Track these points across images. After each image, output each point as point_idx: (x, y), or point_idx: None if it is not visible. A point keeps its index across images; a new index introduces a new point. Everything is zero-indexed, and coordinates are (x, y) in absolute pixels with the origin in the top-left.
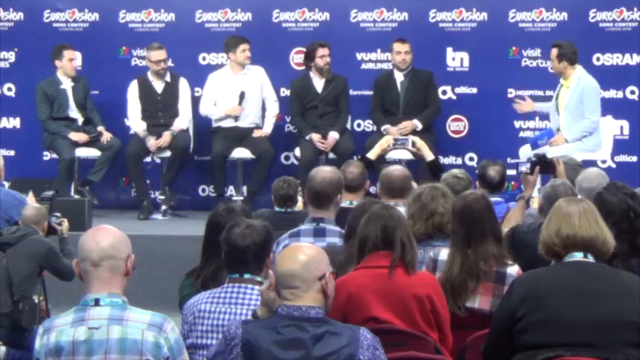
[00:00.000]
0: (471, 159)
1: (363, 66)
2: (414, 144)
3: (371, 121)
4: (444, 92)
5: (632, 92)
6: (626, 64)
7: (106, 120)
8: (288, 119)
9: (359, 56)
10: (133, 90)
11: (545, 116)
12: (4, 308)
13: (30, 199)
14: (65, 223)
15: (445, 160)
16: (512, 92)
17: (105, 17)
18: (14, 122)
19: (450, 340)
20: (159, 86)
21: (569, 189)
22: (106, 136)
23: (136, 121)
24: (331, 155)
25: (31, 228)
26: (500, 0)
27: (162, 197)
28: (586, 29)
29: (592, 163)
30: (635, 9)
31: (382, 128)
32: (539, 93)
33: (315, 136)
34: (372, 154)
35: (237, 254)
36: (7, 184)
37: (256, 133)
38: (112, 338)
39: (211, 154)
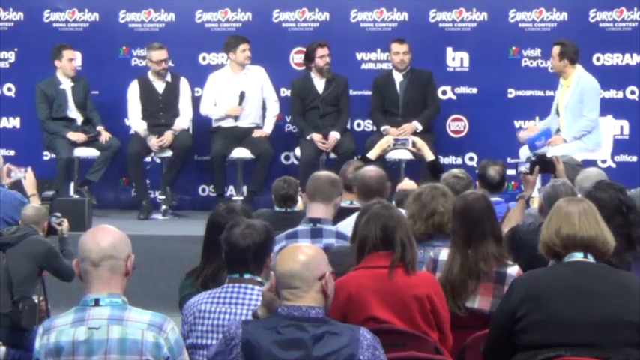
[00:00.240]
0: (471, 159)
1: (363, 66)
2: (414, 144)
3: (371, 122)
4: (444, 92)
5: (632, 92)
6: (626, 64)
7: (106, 120)
8: (288, 119)
9: (359, 56)
10: (133, 90)
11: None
12: (4, 308)
13: (34, 199)
14: (65, 223)
15: (445, 160)
16: (512, 92)
17: (105, 17)
18: (14, 122)
19: (450, 340)
20: (160, 86)
21: (569, 189)
22: (105, 136)
23: (136, 121)
24: (332, 155)
25: (31, 228)
26: (500, 0)
27: (163, 197)
28: (586, 29)
29: (592, 163)
30: (635, 9)
31: (382, 129)
32: (539, 93)
33: (316, 137)
34: (372, 155)
35: (237, 254)
36: (7, 185)
37: (256, 133)
38: (112, 338)
39: (211, 154)
